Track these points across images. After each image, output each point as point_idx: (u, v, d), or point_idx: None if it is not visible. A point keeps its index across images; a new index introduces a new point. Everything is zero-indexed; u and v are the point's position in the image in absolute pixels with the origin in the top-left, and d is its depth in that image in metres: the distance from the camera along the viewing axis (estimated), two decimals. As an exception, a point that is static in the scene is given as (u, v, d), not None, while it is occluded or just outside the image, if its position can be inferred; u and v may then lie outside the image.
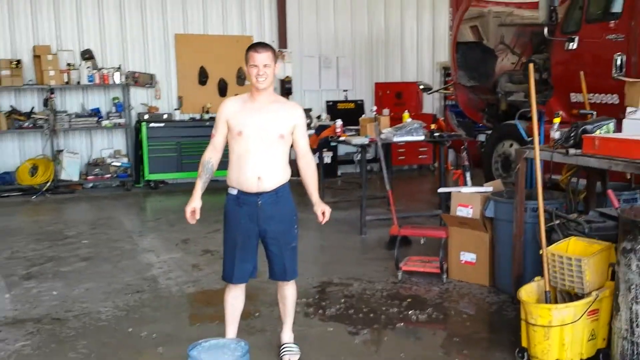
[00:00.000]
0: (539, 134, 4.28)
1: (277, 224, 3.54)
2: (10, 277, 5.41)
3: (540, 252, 3.69)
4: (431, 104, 11.84)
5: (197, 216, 3.51)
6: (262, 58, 3.43)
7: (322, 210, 3.58)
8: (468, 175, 6.60)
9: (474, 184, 6.01)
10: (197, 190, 3.53)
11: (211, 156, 3.57)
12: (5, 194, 9.17)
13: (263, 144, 3.43)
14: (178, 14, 10.33)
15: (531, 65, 3.87)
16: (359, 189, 8.97)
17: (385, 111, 10.76)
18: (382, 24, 11.66)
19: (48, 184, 9.28)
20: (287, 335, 3.82)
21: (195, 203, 3.49)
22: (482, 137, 8.71)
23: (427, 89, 9.35)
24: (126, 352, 3.91)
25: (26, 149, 9.69)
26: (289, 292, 3.74)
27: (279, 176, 3.51)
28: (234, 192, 3.49)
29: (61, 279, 5.39)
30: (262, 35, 10.79)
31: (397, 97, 11.32)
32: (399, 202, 8.43)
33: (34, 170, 9.37)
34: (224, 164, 3.60)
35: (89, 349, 3.95)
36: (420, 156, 11.21)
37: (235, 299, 3.68)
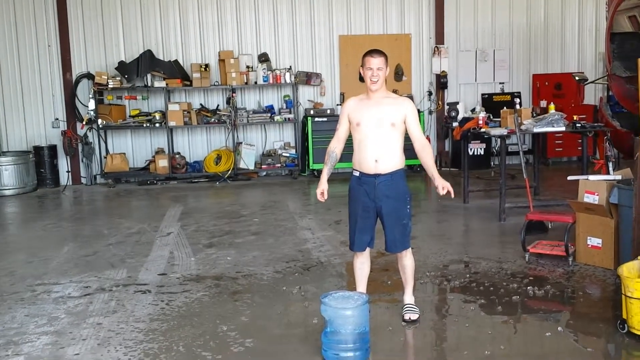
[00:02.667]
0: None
1: (391, 201, 4.15)
2: (196, 245, 6.63)
3: (643, 233, 3.97)
4: (593, 95, 11.53)
5: (326, 196, 4.25)
6: (376, 62, 4.10)
7: (442, 185, 4.03)
8: (610, 165, 6.71)
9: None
10: (323, 175, 4.30)
11: (335, 146, 4.29)
12: (195, 180, 10.78)
13: (378, 132, 4.07)
14: (342, 18, 11.25)
15: (639, 60, 4.09)
16: (511, 179, 9.28)
17: (543, 103, 10.83)
18: (542, 14, 11.58)
19: (229, 172, 10.71)
20: (408, 297, 4.46)
21: (323, 186, 4.25)
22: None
23: (583, 80, 9.27)
24: (280, 304, 4.82)
25: (212, 141, 11.25)
26: (406, 262, 4.37)
27: (393, 160, 4.13)
28: (357, 173, 4.20)
29: (235, 248, 6.49)
30: (420, 33, 11.37)
31: (556, 88, 11.24)
32: (547, 191, 8.65)
33: (218, 159, 10.87)
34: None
35: (252, 300, 4.93)
36: (578, 147, 11.01)
37: (362, 264, 4.41)
